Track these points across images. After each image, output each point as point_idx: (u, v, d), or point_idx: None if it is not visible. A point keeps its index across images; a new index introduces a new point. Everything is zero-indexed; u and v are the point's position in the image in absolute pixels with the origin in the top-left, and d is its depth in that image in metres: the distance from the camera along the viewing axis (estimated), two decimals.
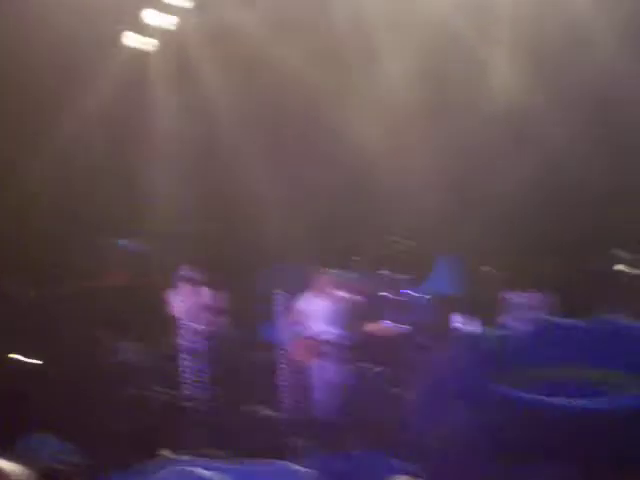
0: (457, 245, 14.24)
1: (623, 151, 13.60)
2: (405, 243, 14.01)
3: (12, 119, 13.85)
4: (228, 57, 14.59)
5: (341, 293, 13.02)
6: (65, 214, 14.44)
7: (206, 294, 13.26)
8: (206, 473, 1.34)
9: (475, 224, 13.26)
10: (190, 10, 14.67)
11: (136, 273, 15.26)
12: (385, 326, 13.24)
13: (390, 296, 13.62)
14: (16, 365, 12.94)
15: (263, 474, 1.44)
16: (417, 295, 14.10)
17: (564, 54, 13.58)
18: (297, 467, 1.45)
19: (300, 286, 13.65)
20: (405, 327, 13.27)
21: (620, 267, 12.91)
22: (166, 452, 4.34)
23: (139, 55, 14.71)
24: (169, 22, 14.58)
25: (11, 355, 12.91)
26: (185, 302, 12.90)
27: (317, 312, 12.79)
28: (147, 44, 14.75)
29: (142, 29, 14.61)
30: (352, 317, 13.04)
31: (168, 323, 13.32)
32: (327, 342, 12.68)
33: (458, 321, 12.81)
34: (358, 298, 13.37)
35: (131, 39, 14.62)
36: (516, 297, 13.24)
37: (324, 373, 12.53)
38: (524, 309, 12.71)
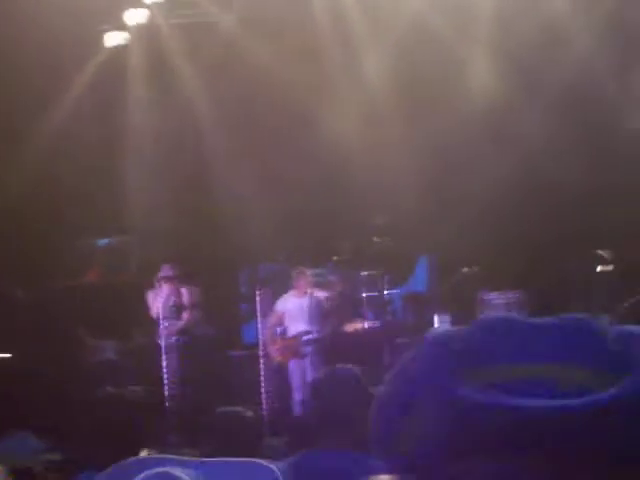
0: (435, 245, 14.26)
1: (602, 151, 13.64)
2: (385, 242, 14.04)
3: None
4: (206, 54, 14.57)
5: (321, 293, 13.03)
6: (47, 213, 14.40)
7: (186, 293, 13.26)
8: (182, 474, 1.35)
9: (453, 223, 13.27)
10: (169, 8, 14.64)
11: (117, 271, 15.23)
12: (364, 325, 13.27)
13: (370, 295, 13.65)
14: None
15: (239, 472, 1.44)
16: (396, 294, 14.13)
17: (543, 53, 13.61)
18: (274, 465, 1.45)
19: (280, 286, 13.66)
20: (385, 326, 13.30)
21: (601, 267, 12.96)
22: (144, 451, 4.33)
23: (120, 53, 14.67)
24: (149, 20, 14.55)
25: None
26: (165, 301, 12.89)
27: (296, 312, 12.79)
28: (128, 42, 14.71)
29: (124, 27, 14.57)
30: (331, 317, 13.05)
31: (148, 321, 13.31)
32: (306, 342, 12.69)
33: (436, 321, 12.84)
34: (337, 298, 13.39)
35: (113, 37, 14.59)
36: (494, 297, 13.28)
37: (303, 372, 12.54)
38: (502, 309, 12.75)
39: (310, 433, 4.12)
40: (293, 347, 12.71)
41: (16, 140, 14.05)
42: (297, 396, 12.18)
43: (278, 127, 14.53)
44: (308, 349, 12.67)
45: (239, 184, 14.54)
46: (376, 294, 13.72)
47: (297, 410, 11.83)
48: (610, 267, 13.00)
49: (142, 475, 1.56)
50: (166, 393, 12.26)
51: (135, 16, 14.46)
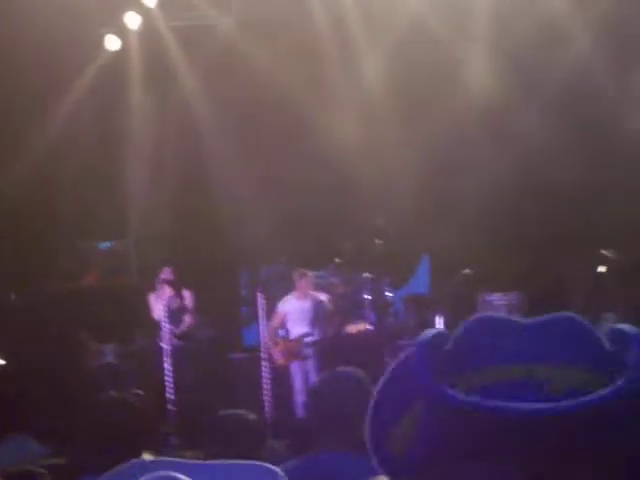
0: (436, 246, 14.25)
1: (601, 151, 13.64)
2: (386, 244, 14.03)
3: None
4: (205, 57, 14.57)
5: (322, 295, 13.02)
6: (47, 216, 14.39)
7: (187, 296, 13.25)
8: (186, 478, 1.34)
9: (454, 224, 13.27)
10: (168, 10, 14.64)
11: (116, 275, 15.22)
12: (366, 327, 13.26)
13: (371, 297, 13.64)
14: None
15: (244, 475, 1.43)
16: (398, 296, 14.12)
17: (540, 53, 13.61)
18: (276, 468, 1.44)
19: (281, 288, 13.65)
20: (386, 328, 13.29)
21: (602, 267, 12.95)
22: (146, 454, 4.32)
23: (119, 56, 14.67)
24: (148, 22, 14.54)
25: None
26: (166, 304, 12.88)
27: (298, 314, 12.78)
28: (127, 45, 14.71)
29: (123, 30, 14.56)
30: (333, 319, 13.05)
31: (150, 324, 13.30)
32: (308, 344, 12.68)
33: (438, 322, 12.83)
34: (339, 300, 13.38)
35: (112, 40, 14.58)
36: (495, 298, 13.28)
37: (305, 375, 12.53)
38: (503, 310, 12.74)
39: (312, 436, 4.11)
40: (295, 349, 12.70)
41: (16, 143, 14.03)
42: (299, 398, 12.17)
43: (278, 129, 14.53)
44: (310, 351, 12.66)
45: (239, 186, 14.54)
46: (377, 296, 13.71)
47: (299, 413, 11.82)
48: (611, 267, 12.99)
49: (144, 478, 1.55)
50: (168, 396, 12.24)
51: (134, 19, 14.45)
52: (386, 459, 1.23)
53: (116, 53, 14.69)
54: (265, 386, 12.42)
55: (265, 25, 14.33)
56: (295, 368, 12.71)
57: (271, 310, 12.92)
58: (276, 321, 12.90)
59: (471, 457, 1.16)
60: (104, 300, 14.10)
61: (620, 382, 1.14)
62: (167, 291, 13.02)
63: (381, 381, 1.26)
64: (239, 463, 1.66)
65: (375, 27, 14.25)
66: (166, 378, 12.37)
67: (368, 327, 13.26)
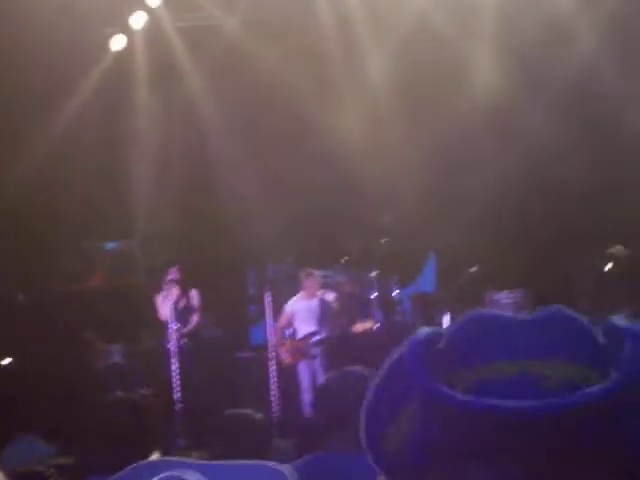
0: (443, 244, 14.24)
1: (607, 149, 13.62)
2: (392, 243, 14.01)
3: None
4: (210, 57, 14.57)
5: (329, 294, 13.02)
6: (52, 216, 14.40)
7: (194, 295, 13.25)
8: (194, 476, 1.33)
9: (461, 223, 13.26)
10: (173, 11, 14.64)
11: (123, 275, 15.23)
12: (373, 326, 13.25)
13: (378, 296, 13.63)
14: (3, 367, 12.91)
15: (251, 474, 1.43)
16: (405, 294, 14.12)
17: (546, 51, 13.59)
18: (283, 467, 1.44)
19: (288, 287, 13.65)
20: (393, 327, 13.28)
21: (609, 265, 12.92)
22: (154, 455, 4.32)
23: (123, 57, 14.67)
24: (153, 23, 14.54)
25: None
26: (173, 303, 12.88)
27: (305, 313, 12.79)
28: (130, 45, 14.71)
29: (127, 31, 14.57)
30: (340, 318, 13.05)
31: (156, 324, 13.31)
32: (315, 343, 12.68)
33: (443, 320, 12.82)
34: (346, 299, 13.38)
35: (116, 41, 14.59)
36: (503, 296, 13.26)
37: (312, 374, 12.53)
38: (511, 308, 12.72)
39: (319, 435, 4.10)
40: (302, 349, 12.70)
41: (21, 143, 14.05)
42: (306, 398, 12.17)
43: (284, 129, 14.52)
44: (317, 350, 12.66)
45: (246, 186, 14.54)
46: (384, 294, 13.70)
47: (306, 412, 11.82)
48: (618, 264, 12.97)
49: (154, 479, 1.55)
50: (175, 396, 12.25)
51: (139, 19, 14.45)
52: (382, 456, 1.23)
53: (121, 53, 14.70)
54: (272, 385, 12.42)
55: (270, 25, 14.33)
56: (302, 367, 12.71)
57: (278, 309, 12.93)
58: (283, 320, 12.91)
59: (469, 456, 1.16)
60: (111, 300, 14.11)
61: (615, 376, 1.13)
62: (174, 291, 13.03)
63: (376, 378, 1.26)
64: (248, 463, 1.66)
65: (380, 26, 14.24)
66: (173, 378, 12.38)
67: (375, 326, 13.26)
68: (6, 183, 13.80)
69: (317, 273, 13.11)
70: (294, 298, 12.95)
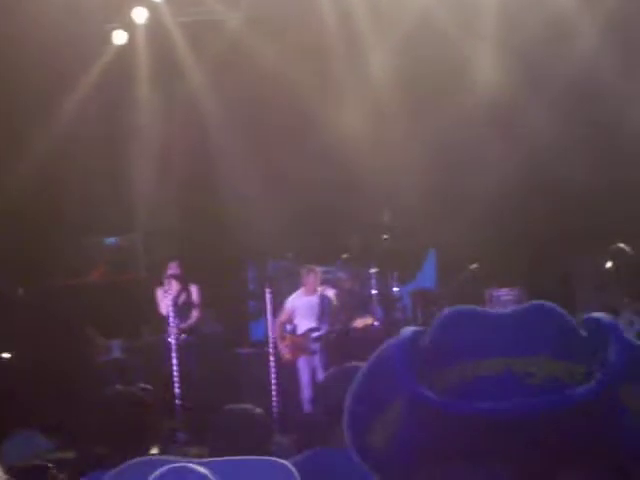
0: (443, 241, 14.24)
1: (608, 148, 13.62)
2: (393, 240, 14.01)
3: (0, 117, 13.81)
4: (212, 53, 14.55)
5: (330, 290, 13.02)
6: (53, 212, 14.40)
7: (194, 291, 13.26)
8: (200, 469, 1.33)
9: (461, 220, 13.26)
10: (175, 6, 14.62)
11: (123, 270, 15.23)
12: (373, 323, 13.25)
13: (378, 293, 13.63)
14: (3, 362, 12.91)
15: (255, 470, 1.42)
16: (405, 291, 14.12)
17: (548, 49, 13.58)
18: (285, 463, 1.43)
19: (288, 283, 13.65)
20: (394, 323, 13.28)
21: (610, 263, 12.92)
22: (154, 450, 4.32)
23: (124, 52, 14.66)
24: (155, 18, 14.53)
25: None
26: (174, 299, 12.88)
27: (306, 309, 12.79)
28: (131, 41, 14.69)
29: (129, 26, 14.55)
30: (341, 314, 13.04)
31: (157, 320, 13.31)
32: (315, 339, 12.69)
33: None
34: (346, 295, 13.38)
35: (118, 36, 14.57)
36: (503, 293, 13.26)
37: (312, 370, 12.53)
38: (509, 305, 12.71)
39: (319, 431, 4.10)
40: (302, 345, 12.71)
41: (22, 140, 14.04)
42: (306, 394, 12.17)
43: (285, 125, 14.52)
44: (317, 346, 12.67)
45: (247, 182, 14.54)
46: (384, 291, 13.70)
47: (306, 408, 11.82)
48: (618, 263, 12.96)
49: (162, 469, 1.54)
50: (175, 391, 12.25)
51: (141, 14, 14.43)
52: (367, 454, 1.22)
53: (123, 49, 14.68)
54: (272, 381, 12.42)
55: (273, 21, 14.32)
56: (302, 363, 12.71)
57: (278, 305, 12.93)
58: (283, 316, 12.91)
59: (456, 457, 1.15)
60: (111, 295, 14.11)
61: (599, 376, 1.13)
62: (174, 286, 13.03)
63: (359, 376, 1.25)
64: (250, 458, 1.66)
65: (383, 23, 14.22)
66: (173, 373, 12.38)
67: (375, 322, 13.26)
68: (7, 179, 13.80)
69: (317, 269, 13.10)
70: (294, 294, 12.95)
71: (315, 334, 12.70)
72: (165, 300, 12.96)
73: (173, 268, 13.13)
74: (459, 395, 1.15)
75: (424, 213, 13.83)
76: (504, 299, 13.13)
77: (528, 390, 1.14)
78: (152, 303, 13.28)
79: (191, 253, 13.92)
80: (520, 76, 13.73)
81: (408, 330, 1.24)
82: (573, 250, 13.55)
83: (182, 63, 14.88)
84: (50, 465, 4.26)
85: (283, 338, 12.85)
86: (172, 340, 12.64)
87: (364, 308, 13.61)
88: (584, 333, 1.20)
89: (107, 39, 14.60)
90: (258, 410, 4.68)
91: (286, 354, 12.77)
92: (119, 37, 14.60)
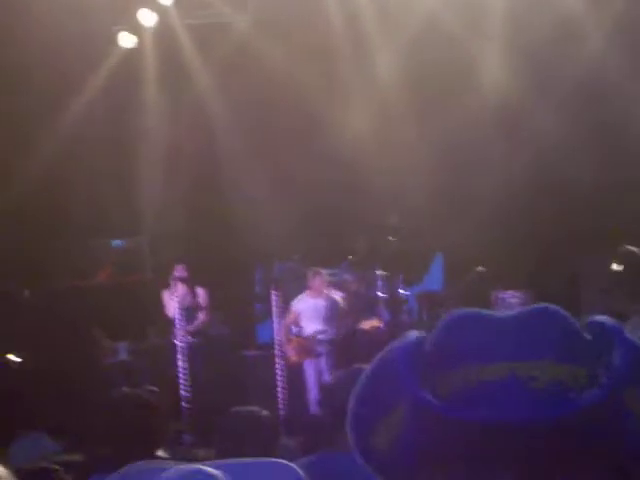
0: (450, 243, 14.22)
1: (614, 149, 13.60)
2: (399, 242, 14.00)
3: (5, 119, 13.82)
4: (220, 55, 14.55)
5: (336, 293, 13.01)
6: (59, 214, 14.41)
7: (200, 293, 13.25)
8: (212, 471, 1.32)
9: (468, 222, 13.24)
10: (183, 8, 14.62)
11: (130, 273, 15.23)
12: (380, 325, 13.24)
13: (385, 295, 13.62)
14: (10, 364, 12.92)
15: (263, 472, 1.42)
16: (412, 293, 14.10)
17: (555, 50, 13.56)
18: (293, 465, 1.43)
19: (294, 285, 13.64)
20: (400, 326, 13.26)
21: (617, 265, 12.89)
22: (160, 452, 4.32)
23: (131, 55, 14.67)
24: (163, 21, 14.52)
25: (5, 355, 12.89)
26: (180, 301, 12.88)
27: (312, 312, 12.77)
28: (139, 43, 14.69)
29: (135, 28, 14.55)
30: (347, 317, 13.03)
31: (163, 322, 13.31)
32: (322, 341, 12.67)
33: None
34: (353, 297, 13.37)
35: (124, 38, 14.57)
36: (509, 296, 13.24)
37: (318, 373, 12.52)
38: (515, 307, 12.68)
39: (325, 434, 4.09)
40: (308, 347, 12.69)
41: (30, 142, 14.06)
42: (312, 396, 12.16)
43: (292, 127, 14.51)
44: (323, 349, 12.66)
45: (253, 185, 14.54)
46: (391, 293, 13.69)
47: (312, 410, 11.81)
48: (626, 264, 12.93)
49: (173, 471, 1.53)
50: (181, 393, 12.25)
51: (149, 17, 14.43)
52: (371, 456, 1.22)
53: (130, 51, 14.69)
54: (278, 383, 12.41)
55: (280, 23, 14.31)
56: (308, 365, 12.70)
57: (285, 308, 12.92)
58: (290, 319, 12.90)
59: (457, 462, 1.15)
60: (117, 297, 14.12)
61: (606, 380, 1.12)
62: (181, 289, 13.02)
63: (364, 377, 1.25)
64: (257, 460, 1.65)
65: (390, 25, 14.21)
66: (180, 376, 12.38)
67: (381, 324, 13.25)
68: (14, 181, 13.81)
69: (324, 271, 13.09)
70: (301, 296, 12.94)
71: (321, 336, 12.69)
72: (172, 302, 12.96)
73: (180, 270, 13.13)
74: (463, 400, 1.14)
75: (431, 215, 13.81)
76: (510, 301, 13.11)
77: (532, 395, 1.13)
78: (159, 305, 13.27)
79: (198, 255, 13.92)
80: (527, 77, 13.71)
81: (412, 333, 1.23)
82: (580, 252, 13.52)
83: (190, 66, 14.88)
84: (57, 467, 4.26)
85: (289, 340, 12.84)
86: (179, 342, 12.64)
87: (370, 310, 13.60)
88: (588, 336, 1.20)
89: (113, 41, 14.60)
90: (265, 412, 4.68)
91: (292, 356, 12.76)
92: (127, 40, 14.60)
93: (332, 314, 12.77)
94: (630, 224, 12.83)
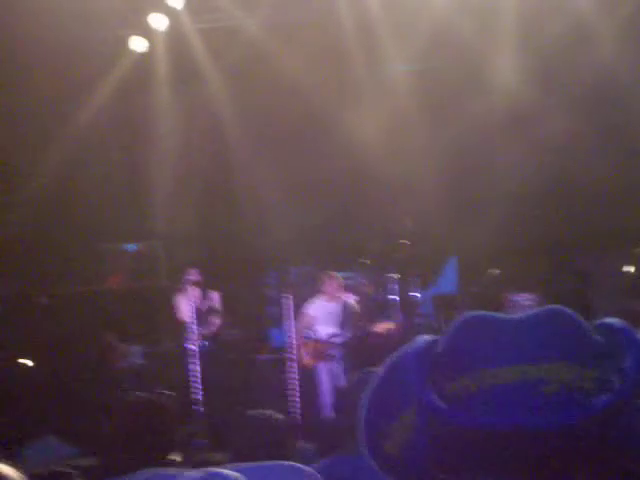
0: (464, 246, 14.23)
1: (627, 152, 13.59)
2: (414, 245, 14.01)
3: (16, 124, 13.86)
4: (230, 60, 14.58)
5: (350, 296, 13.01)
6: (73, 219, 14.46)
7: (214, 297, 13.26)
8: (232, 473, 1.31)
9: (482, 224, 13.24)
10: (193, 12, 14.64)
11: (144, 277, 15.27)
12: (394, 328, 13.24)
13: (397, 298, 13.62)
14: (24, 368, 12.96)
15: (281, 475, 1.41)
16: (426, 296, 14.11)
17: (567, 53, 13.56)
18: (309, 468, 1.42)
19: (309, 289, 13.65)
20: (415, 328, 13.27)
21: (629, 268, 12.89)
22: (174, 456, 4.31)
23: (141, 58, 14.70)
24: (173, 24, 14.55)
25: (20, 359, 12.94)
26: (194, 305, 12.89)
27: (326, 315, 12.78)
28: (149, 47, 14.72)
29: (144, 32, 14.58)
30: (361, 320, 13.03)
31: (174, 326, 13.33)
32: (336, 345, 12.67)
33: None
34: (367, 301, 13.37)
35: (137, 43, 14.61)
36: (521, 298, 13.23)
37: (333, 376, 12.52)
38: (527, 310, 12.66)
39: (341, 437, 4.08)
40: (322, 350, 12.69)
41: (43, 147, 14.10)
42: (327, 400, 12.16)
43: (304, 131, 14.53)
44: (337, 352, 12.65)
45: (266, 189, 14.56)
46: (405, 296, 13.69)
47: (327, 414, 11.80)
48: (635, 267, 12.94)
49: (194, 474, 1.51)
50: (196, 397, 12.26)
51: (160, 21, 14.46)
52: (379, 456, 1.22)
53: (141, 55, 14.72)
54: (293, 387, 12.41)
55: (291, 27, 14.32)
56: (323, 369, 12.70)
57: (299, 311, 12.93)
58: (304, 322, 12.90)
59: (469, 467, 1.14)
60: (131, 302, 14.15)
61: (619, 387, 1.12)
62: (194, 292, 13.03)
63: (375, 381, 1.25)
64: (273, 464, 1.64)
65: (401, 29, 14.21)
66: (193, 379, 12.39)
67: (396, 327, 13.25)
68: (28, 187, 13.86)
69: (338, 275, 13.10)
70: (315, 300, 12.95)
71: (336, 340, 12.69)
72: (185, 306, 12.97)
73: (193, 274, 13.14)
74: (473, 405, 1.14)
75: (445, 218, 13.81)
76: (524, 304, 13.10)
77: (543, 400, 1.12)
78: (172, 309, 13.29)
79: (211, 259, 13.94)
80: (539, 82, 13.70)
81: (421, 338, 1.23)
82: (593, 254, 13.51)
83: (200, 69, 14.90)
84: (71, 471, 4.25)
85: (304, 344, 12.84)
86: (192, 346, 12.65)
87: (384, 313, 13.60)
88: (599, 338, 1.19)
89: (123, 46, 14.62)
90: (279, 416, 4.67)
91: (307, 360, 12.76)
92: (138, 44, 14.62)
93: (347, 317, 12.77)
94: None
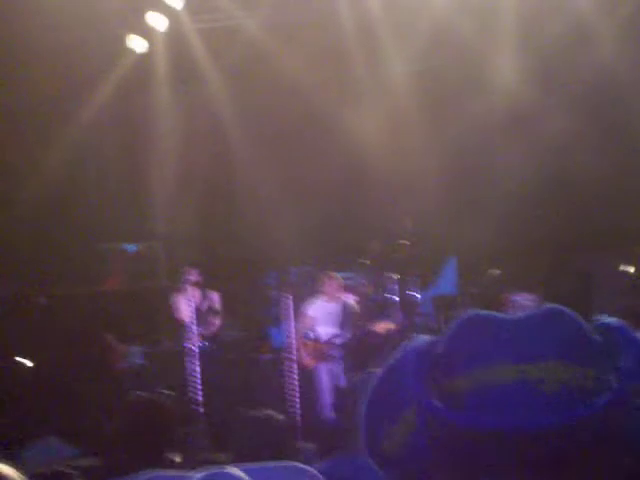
0: (464, 246, 14.23)
1: (628, 151, 13.59)
2: (413, 245, 14.00)
3: (16, 124, 13.86)
4: (229, 59, 14.58)
5: (350, 296, 13.01)
6: (73, 220, 14.46)
7: (214, 297, 13.26)
8: (237, 472, 1.31)
9: (482, 224, 13.24)
10: (193, 12, 14.64)
11: (144, 277, 15.27)
12: (394, 328, 13.24)
13: (397, 298, 13.62)
14: (24, 369, 12.96)
15: (283, 475, 1.41)
16: (426, 297, 14.10)
17: (567, 53, 13.56)
18: (311, 469, 1.42)
19: (308, 289, 13.65)
20: (414, 329, 13.27)
21: (627, 267, 12.89)
22: (174, 456, 4.31)
23: (141, 58, 14.70)
24: (173, 24, 14.55)
25: (19, 359, 12.93)
26: (194, 305, 12.88)
27: (326, 315, 12.78)
28: (148, 47, 14.72)
29: (144, 32, 14.58)
30: (361, 320, 13.03)
31: (174, 326, 13.33)
32: (336, 345, 12.67)
33: None
34: (367, 301, 13.37)
35: (134, 42, 14.60)
36: (521, 298, 13.22)
37: (333, 376, 12.52)
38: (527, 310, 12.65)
39: (343, 437, 4.08)
40: (323, 351, 12.69)
41: (44, 147, 14.10)
42: (328, 400, 12.16)
43: (304, 132, 14.53)
44: (337, 352, 12.65)
45: (266, 189, 14.56)
46: (404, 296, 13.69)
47: (328, 414, 11.80)
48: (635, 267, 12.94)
49: (201, 475, 1.51)
50: (196, 397, 12.26)
51: (160, 21, 14.45)
52: (379, 456, 1.22)
53: (141, 55, 14.72)
54: (293, 387, 12.41)
55: (291, 27, 14.32)
56: (323, 369, 12.70)
57: (299, 312, 12.93)
58: (304, 322, 12.90)
59: (469, 468, 1.15)
60: (131, 302, 14.15)
61: (617, 385, 1.12)
62: (194, 293, 13.03)
63: (374, 382, 1.25)
64: (275, 464, 1.64)
65: (402, 29, 14.21)
66: (193, 379, 12.38)
67: (395, 327, 13.25)
68: (29, 186, 13.85)
69: (337, 276, 13.09)
70: (315, 300, 12.95)
71: (336, 340, 12.68)
72: (185, 306, 12.97)
73: (193, 274, 13.14)
74: (473, 405, 1.14)
75: (445, 218, 13.82)
76: (524, 303, 13.10)
77: (542, 399, 1.12)
78: (172, 310, 13.29)
79: (211, 259, 13.94)
80: (540, 81, 13.70)
81: (420, 338, 1.23)
82: (594, 253, 13.51)
83: (200, 70, 14.90)
84: (71, 472, 4.24)
85: (304, 344, 12.84)
86: (193, 347, 12.64)
87: (384, 313, 13.60)
88: (598, 338, 1.19)
89: (122, 44, 14.61)
90: (280, 416, 4.67)
91: (307, 360, 12.76)
92: (138, 44, 14.62)
93: (346, 318, 12.77)
94: None
